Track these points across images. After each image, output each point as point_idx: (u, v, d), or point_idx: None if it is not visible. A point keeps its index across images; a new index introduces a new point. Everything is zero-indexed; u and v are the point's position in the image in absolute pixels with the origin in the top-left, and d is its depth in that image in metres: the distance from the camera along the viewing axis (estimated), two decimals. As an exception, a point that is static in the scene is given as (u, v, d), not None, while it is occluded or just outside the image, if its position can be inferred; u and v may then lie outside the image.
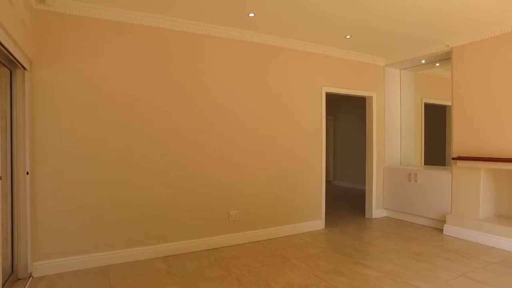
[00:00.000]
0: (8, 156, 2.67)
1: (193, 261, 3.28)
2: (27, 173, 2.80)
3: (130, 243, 3.27)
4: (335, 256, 3.40)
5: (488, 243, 3.67)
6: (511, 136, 3.62)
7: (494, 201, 4.01)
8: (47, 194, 2.94)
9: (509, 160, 3.48)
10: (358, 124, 8.21)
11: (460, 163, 4.03)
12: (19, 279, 2.78)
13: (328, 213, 5.43)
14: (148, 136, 3.37)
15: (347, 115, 8.73)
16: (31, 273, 2.85)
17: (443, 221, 4.28)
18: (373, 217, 5.07)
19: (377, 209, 5.12)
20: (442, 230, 4.22)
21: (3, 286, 2.41)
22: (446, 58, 4.57)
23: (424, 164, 5.59)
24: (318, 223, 4.47)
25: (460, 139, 4.13)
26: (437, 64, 5.00)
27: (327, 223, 4.73)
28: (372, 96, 5.05)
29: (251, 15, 3.37)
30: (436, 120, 5.80)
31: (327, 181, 9.19)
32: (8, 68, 2.67)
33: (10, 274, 2.68)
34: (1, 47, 2.13)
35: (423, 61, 4.88)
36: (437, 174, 4.40)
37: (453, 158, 4.12)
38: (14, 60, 2.46)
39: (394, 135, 5.32)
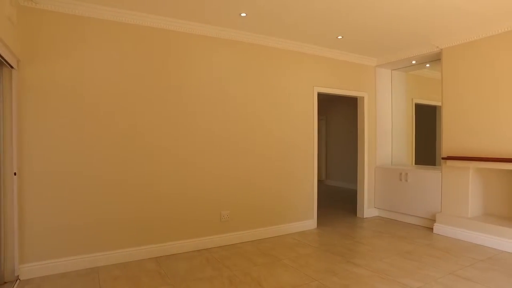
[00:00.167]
0: (-5, 156, 2.62)
1: (184, 261, 3.26)
2: (15, 173, 2.75)
3: (120, 244, 3.24)
4: (326, 255, 3.41)
5: (476, 241, 3.72)
6: (499, 136, 3.68)
7: (482, 200, 4.07)
8: (35, 195, 2.89)
9: (497, 159, 3.54)
10: (350, 124, 8.26)
11: (449, 162, 4.08)
12: (5, 282, 2.73)
13: (320, 212, 5.45)
14: (137, 136, 3.34)
15: (339, 115, 8.78)
16: (18, 276, 2.80)
17: (433, 220, 4.33)
18: (364, 217, 5.10)
19: (368, 208, 5.16)
20: (432, 229, 4.27)
21: (-11, 289, 2.36)
22: (436, 59, 4.62)
23: (415, 163, 5.65)
24: (310, 223, 4.48)
25: (450, 139, 4.18)
26: (427, 65, 5.06)
27: (319, 223, 4.75)
28: (363, 97, 5.08)
29: (243, 14, 3.36)
30: (426, 120, 5.88)
31: (319, 181, 9.23)
32: (-5, 67, 2.62)
33: (-3, 277, 2.64)
34: (-13, 45, 2.08)
35: (413, 62, 4.93)
36: (428, 173, 4.45)
37: (442, 158, 4.17)
38: (1, 59, 2.42)
39: (386, 135, 5.37)
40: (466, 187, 3.96)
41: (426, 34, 3.97)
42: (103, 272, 2.98)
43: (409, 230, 4.35)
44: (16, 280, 2.77)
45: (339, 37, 4.07)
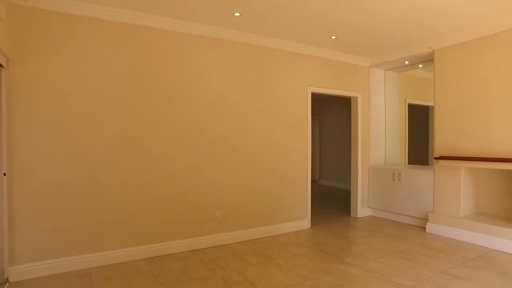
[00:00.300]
0: (-16, 156, 2.58)
1: (178, 262, 3.24)
2: (4, 174, 2.70)
3: (113, 245, 3.21)
4: (320, 255, 3.42)
5: (468, 240, 3.76)
6: (490, 136, 3.73)
7: (474, 199, 4.12)
8: (25, 195, 2.85)
9: (488, 159, 3.58)
10: (344, 124, 8.30)
11: (442, 162, 4.12)
12: (-5, 284, 2.69)
13: (314, 212, 5.47)
14: (130, 136, 3.31)
15: (333, 115, 8.81)
16: (7, 278, 2.76)
17: (426, 219, 4.37)
18: (358, 216, 5.13)
19: (362, 208, 5.18)
20: (425, 228, 4.31)
21: (-22, 291, 2.32)
22: (428, 59, 4.66)
23: (408, 163, 5.70)
24: (304, 223, 4.49)
25: (442, 139, 4.22)
26: (420, 66, 5.10)
27: (313, 223, 4.76)
28: (357, 97, 5.10)
29: (237, 14, 3.35)
30: (419, 120, 5.92)
31: (313, 181, 9.25)
32: (-16, 65, 2.58)
33: (-14, 279, 2.59)
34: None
35: (406, 62, 4.97)
36: (420, 173, 4.48)
37: (435, 158, 4.21)
38: (-10, 57, 2.38)
39: (379, 135, 5.40)
40: (458, 187, 4.00)
41: (419, 35, 4.00)
42: (96, 273, 2.94)
43: (402, 229, 4.38)
44: (6, 282, 2.72)
45: (333, 37, 4.08)
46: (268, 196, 4.18)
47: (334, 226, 4.58)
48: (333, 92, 4.81)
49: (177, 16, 3.39)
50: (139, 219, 3.34)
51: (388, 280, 2.75)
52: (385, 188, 4.97)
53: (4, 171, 2.70)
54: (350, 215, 5.28)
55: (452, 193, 4.07)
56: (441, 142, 4.23)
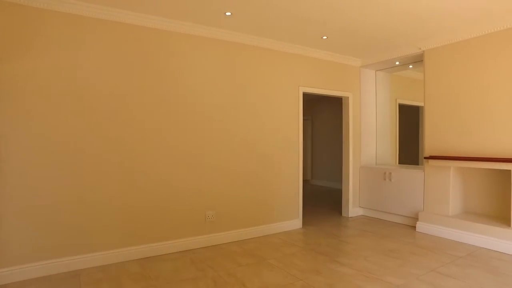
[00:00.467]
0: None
1: (168, 263, 3.21)
2: (-10, 174, 2.65)
3: (102, 246, 3.17)
4: (312, 254, 3.43)
5: (457, 239, 3.81)
6: (478, 136, 3.78)
7: (463, 198, 4.18)
8: (12, 196, 2.79)
9: (476, 159, 3.63)
10: (335, 124, 8.34)
11: (431, 162, 4.17)
12: (-19, 287, 2.64)
13: (305, 212, 5.48)
14: (119, 134, 3.27)
15: (324, 115, 8.85)
16: (-6, 280, 2.71)
17: (416, 218, 4.42)
18: (349, 216, 5.16)
19: (353, 207, 5.21)
20: (415, 227, 4.35)
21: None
22: (418, 60, 4.71)
23: (399, 163, 5.75)
24: (296, 222, 4.49)
25: (432, 139, 4.27)
26: (410, 66, 5.15)
27: (305, 222, 4.77)
28: (348, 97, 5.13)
29: (228, 14, 3.34)
30: (410, 120, 5.98)
31: (305, 181, 9.28)
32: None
33: (-29, 282, 2.54)
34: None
35: (397, 63, 5.01)
36: (411, 173, 4.53)
37: (425, 157, 4.25)
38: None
39: (370, 135, 5.44)
40: (447, 186, 4.05)
41: (409, 35, 4.04)
42: (85, 275, 2.90)
43: (393, 228, 4.42)
44: (-8, 285, 2.67)
45: (324, 37, 4.10)
46: (260, 196, 4.17)
47: (325, 226, 4.59)
48: (325, 92, 4.83)
49: (167, 15, 3.36)
50: (129, 220, 3.31)
51: (378, 279, 2.77)
52: (376, 188, 5.01)
53: (-10, 172, 2.65)
54: (341, 214, 5.31)
55: (441, 193, 4.12)
56: (431, 142, 4.28)
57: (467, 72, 3.90)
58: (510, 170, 3.54)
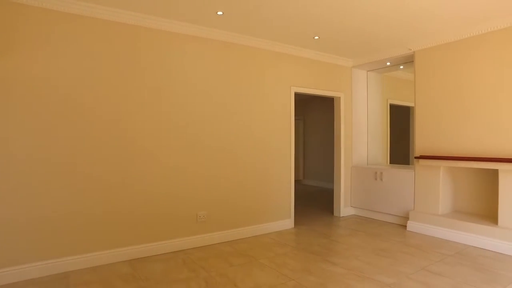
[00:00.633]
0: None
1: (160, 263, 3.19)
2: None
3: (92, 247, 3.12)
4: (303, 254, 3.43)
5: (446, 237, 3.86)
6: (467, 136, 3.84)
7: (452, 198, 4.23)
8: (-1, 197, 2.74)
9: (465, 158, 3.69)
10: (327, 124, 8.39)
11: (422, 161, 4.21)
12: (-34, 290, 2.58)
13: (297, 212, 5.49)
14: (109, 132, 3.23)
15: (316, 115, 8.89)
16: (-20, 283, 2.65)
17: (407, 217, 4.46)
18: (341, 215, 5.18)
19: (345, 207, 5.24)
20: (406, 226, 4.39)
21: None
22: (409, 61, 4.76)
23: (390, 163, 5.80)
24: (287, 222, 4.50)
25: (422, 139, 4.32)
26: (401, 67, 5.20)
27: (296, 222, 4.78)
28: (340, 97, 5.16)
29: (220, 13, 3.33)
30: (401, 120, 6.04)
31: (297, 181, 9.31)
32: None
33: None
34: None
35: (388, 64, 5.05)
36: (401, 172, 4.57)
37: (415, 157, 4.30)
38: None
39: (361, 135, 5.47)
40: (437, 185, 4.10)
41: (400, 36, 4.08)
42: (74, 277, 2.86)
43: (384, 228, 4.46)
44: (-23, 288, 2.61)
45: (316, 37, 4.11)
46: (252, 196, 4.17)
47: (317, 226, 4.61)
48: (316, 92, 4.85)
49: (158, 13, 3.33)
50: (119, 220, 3.27)
51: (369, 278, 2.79)
52: (368, 188, 5.05)
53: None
54: (333, 214, 5.33)
55: (431, 192, 4.17)
56: (421, 142, 4.33)
57: (456, 73, 3.96)
58: (497, 170, 3.60)
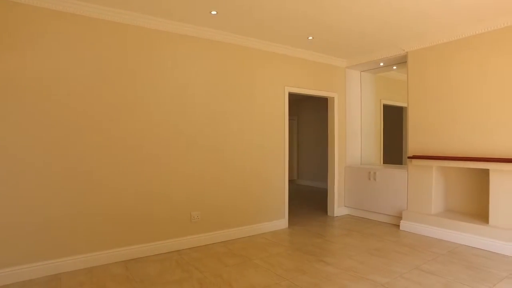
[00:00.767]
0: None
1: (153, 264, 3.17)
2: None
3: (85, 248, 3.09)
4: (297, 254, 3.44)
5: (438, 236, 3.90)
6: (459, 136, 3.88)
7: (444, 197, 4.28)
8: (-11, 198, 2.69)
9: (456, 158, 3.73)
10: (321, 124, 8.42)
11: (414, 161, 4.25)
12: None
13: (291, 212, 5.50)
14: (98, 128, 3.20)
15: (310, 115, 8.92)
16: (-31, 285, 2.60)
17: (400, 217, 4.50)
18: (335, 215, 5.21)
19: (339, 207, 5.27)
20: (399, 226, 4.43)
21: None
22: (402, 61, 4.79)
23: (383, 163, 5.84)
24: (282, 222, 4.51)
25: (415, 139, 4.36)
26: (394, 67, 5.24)
27: (291, 222, 4.79)
28: (333, 97, 5.18)
29: (214, 13, 3.32)
30: (394, 120, 6.10)
31: (291, 181, 9.33)
32: None
33: None
34: None
35: (381, 64, 5.09)
36: (395, 172, 4.61)
37: (408, 157, 4.34)
38: None
39: (355, 135, 5.50)
40: (430, 185, 4.14)
41: (393, 37, 4.11)
42: (66, 279, 2.83)
43: (378, 227, 4.49)
44: (-33, 291, 2.57)
45: (310, 37, 4.12)
46: (245, 197, 4.16)
47: (311, 225, 4.62)
48: (310, 92, 4.86)
49: (152, 13, 3.31)
50: (113, 221, 3.24)
51: (363, 278, 2.81)
52: (361, 187, 5.08)
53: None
54: (327, 214, 5.35)
55: (424, 192, 4.21)
56: (414, 142, 4.37)
57: (448, 73, 4.00)
58: (488, 170, 3.64)
